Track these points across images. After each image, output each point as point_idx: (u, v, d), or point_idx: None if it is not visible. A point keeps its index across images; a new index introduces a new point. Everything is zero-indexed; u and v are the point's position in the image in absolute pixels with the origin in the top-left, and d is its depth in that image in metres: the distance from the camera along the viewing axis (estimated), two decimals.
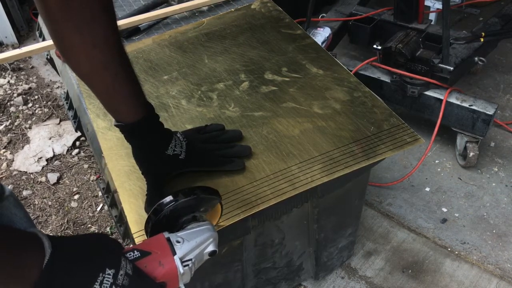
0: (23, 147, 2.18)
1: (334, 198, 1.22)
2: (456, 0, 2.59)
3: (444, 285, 1.53)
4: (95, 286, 0.61)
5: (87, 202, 1.93)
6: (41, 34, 1.76)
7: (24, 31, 2.93)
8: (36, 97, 2.46)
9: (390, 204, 1.79)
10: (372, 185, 1.85)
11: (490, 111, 1.71)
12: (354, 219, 1.41)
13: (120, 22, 1.46)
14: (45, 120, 2.32)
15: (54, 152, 2.14)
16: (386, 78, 1.90)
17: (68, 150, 2.15)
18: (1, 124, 2.31)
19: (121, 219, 1.16)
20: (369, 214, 1.76)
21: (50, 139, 2.21)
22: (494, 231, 1.67)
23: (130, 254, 0.70)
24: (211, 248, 0.78)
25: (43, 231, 0.64)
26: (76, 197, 1.95)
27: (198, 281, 1.17)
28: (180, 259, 0.73)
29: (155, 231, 0.77)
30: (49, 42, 1.50)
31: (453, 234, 1.67)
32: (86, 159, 2.11)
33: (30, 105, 2.41)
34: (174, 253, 0.73)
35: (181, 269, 0.72)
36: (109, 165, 1.09)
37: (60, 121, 2.30)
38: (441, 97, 1.78)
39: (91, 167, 2.07)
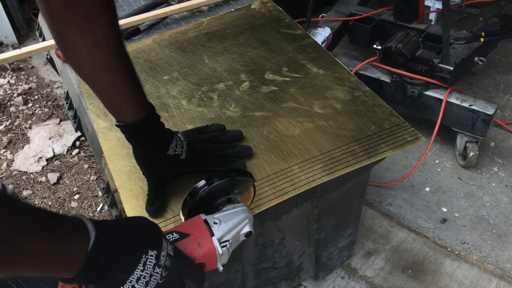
0: (23, 147, 2.18)
1: (334, 198, 1.22)
2: (456, 0, 2.59)
3: (444, 285, 1.53)
4: (138, 267, 0.62)
5: (87, 202, 1.93)
6: (41, 34, 1.76)
7: (24, 31, 2.93)
8: (36, 97, 2.46)
9: (390, 204, 1.79)
10: (372, 185, 1.85)
11: (490, 111, 1.71)
12: (354, 219, 1.41)
13: (120, 22, 1.46)
14: (45, 120, 2.32)
15: (54, 152, 2.14)
16: (386, 78, 1.90)
17: (68, 150, 2.15)
18: (1, 124, 2.31)
19: None
20: (369, 214, 1.76)
21: (50, 139, 2.21)
22: (494, 231, 1.67)
23: (170, 236, 0.71)
24: (247, 229, 0.79)
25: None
26: (76, 197, 1.95)
27: None
28: (218, 240, 0.73)
29: (192, 214, 0.78)
30: (49, 42, 1.50)
31: (453, 234, 1.67)
32: (86, 159, 2.11)
33: (30, 105, 2.41)
34: (212, 234, 0.73)
35: (219, 250, 0.73)
36: (110, 165, 1.09)
37: (60, 121, 2.30)
38: (441, 97, 1.78)
39: (91, 167, 2.07)
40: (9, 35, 2.81)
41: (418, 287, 1.53)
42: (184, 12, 1.59)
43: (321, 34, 2.04)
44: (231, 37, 1.45)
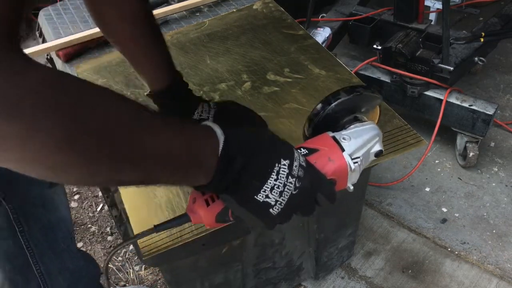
0: None
1: None
2: (456, 0, 2.59)
3: (444, 285, 1.53)
4: (272, 176, 0.60)
5: (87, 202, 1.93)
6: (41, 34, 1.75)
7: (24, 31, 2.92)
8: None
9: (390, 204, 1.79)
10: (372, 185, 1.85)
11: (490, 111, 1.71)
12: (354, 219, 1.41)
13: None
14: None
15: None
16: (386, 78, 1.90)
17: None
18: None
19: (121, 219, 1.17)
20: (369, 214, 1.76)
21: None
22: (494, 231, 1.67)
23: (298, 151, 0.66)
24: (377, 147, 0.72)
25: None
26: (76, 197, 1.95)
27: (198, 281, 1.17)
28: (349, 155, 0.68)
29: (316, 134, 0.72)
30: (50, 43, 1.50)
31: (453, 234, 1.67)
32: None
33: None
34: (343, 150, 0.68)
35: (352, 165, 0.67)
36: None
37: None
38: (441, 97, 1.79)
39: None
40: None
41: (418, 287, 1.53)
42: (184, 12, 1.59)
43: (321, 34, 2.04)
44: (232, 38, 1.45)
